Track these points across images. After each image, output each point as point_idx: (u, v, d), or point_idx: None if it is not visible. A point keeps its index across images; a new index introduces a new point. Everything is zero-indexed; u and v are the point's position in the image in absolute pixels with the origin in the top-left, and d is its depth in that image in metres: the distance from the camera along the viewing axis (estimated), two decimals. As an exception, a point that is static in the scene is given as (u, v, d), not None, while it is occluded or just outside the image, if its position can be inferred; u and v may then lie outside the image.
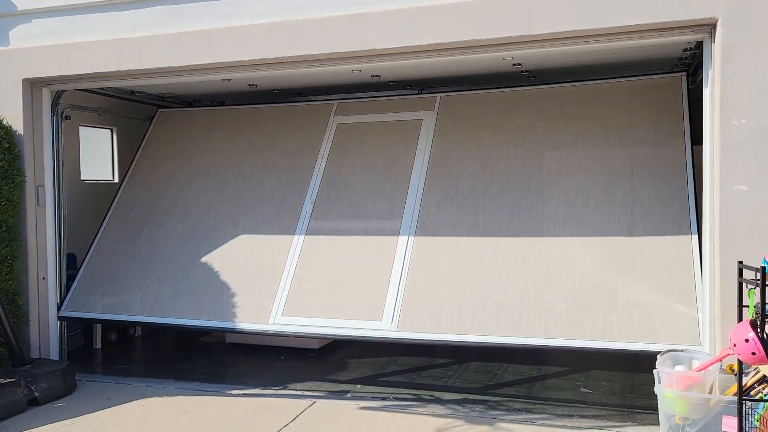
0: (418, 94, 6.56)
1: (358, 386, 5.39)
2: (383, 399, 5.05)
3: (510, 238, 5.14)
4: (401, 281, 5.18)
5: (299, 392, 5.25)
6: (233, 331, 5.57)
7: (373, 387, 5.35)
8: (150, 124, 7.24)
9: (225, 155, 6.63)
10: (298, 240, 5.72)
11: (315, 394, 5.19)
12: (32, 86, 5.85)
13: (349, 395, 5.16)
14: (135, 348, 6.98)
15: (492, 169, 5.54)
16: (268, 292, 5.49)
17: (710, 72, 4.24)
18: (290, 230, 5.82)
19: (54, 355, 6.00)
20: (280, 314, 5.32)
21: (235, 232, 6.00)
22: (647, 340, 4.47)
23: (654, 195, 4.99)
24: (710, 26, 4.20)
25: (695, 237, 4.74)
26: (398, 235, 5.46)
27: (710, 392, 3.78)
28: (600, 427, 4.42)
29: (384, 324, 5.05)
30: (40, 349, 5.86)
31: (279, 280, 5.51)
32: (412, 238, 5.40)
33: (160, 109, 7.39)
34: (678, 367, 3.92)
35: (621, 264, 4.80)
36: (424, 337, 4.93)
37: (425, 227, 5.43)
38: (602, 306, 4.68)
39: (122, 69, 5.43)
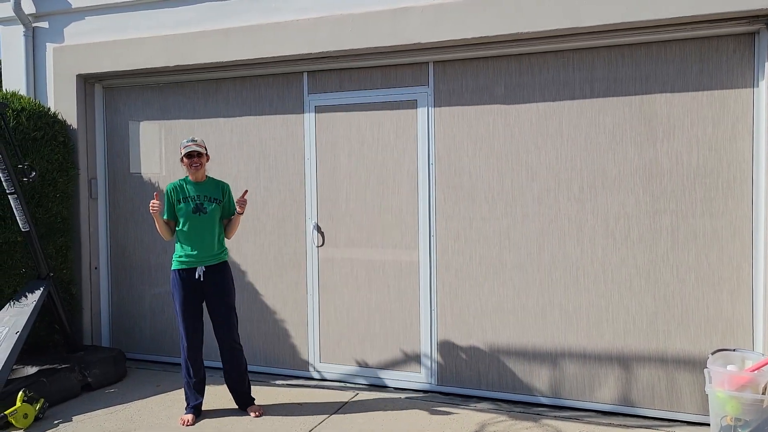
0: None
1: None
2: (425, 392, 5.07)
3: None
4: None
5: (341, 383, 5.31)
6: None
7: (414, 380, 5.38)
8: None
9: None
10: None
11: (357, 385, 5.25)
12: (85, 82, 6.03)
13: (391, 388, 5.19)
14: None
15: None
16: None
17: (766, 64, 4.11)
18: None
19: (105, 342, 6.21)
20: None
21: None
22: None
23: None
24: (766, 16, 4.07)
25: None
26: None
27: (763, 393, 3.68)
28: (647, 426, 4.36)
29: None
30: (92, 336, 6.07)
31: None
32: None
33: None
34: (730, 367, 3.83)
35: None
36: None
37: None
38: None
39: (171, 65, 5.55)
